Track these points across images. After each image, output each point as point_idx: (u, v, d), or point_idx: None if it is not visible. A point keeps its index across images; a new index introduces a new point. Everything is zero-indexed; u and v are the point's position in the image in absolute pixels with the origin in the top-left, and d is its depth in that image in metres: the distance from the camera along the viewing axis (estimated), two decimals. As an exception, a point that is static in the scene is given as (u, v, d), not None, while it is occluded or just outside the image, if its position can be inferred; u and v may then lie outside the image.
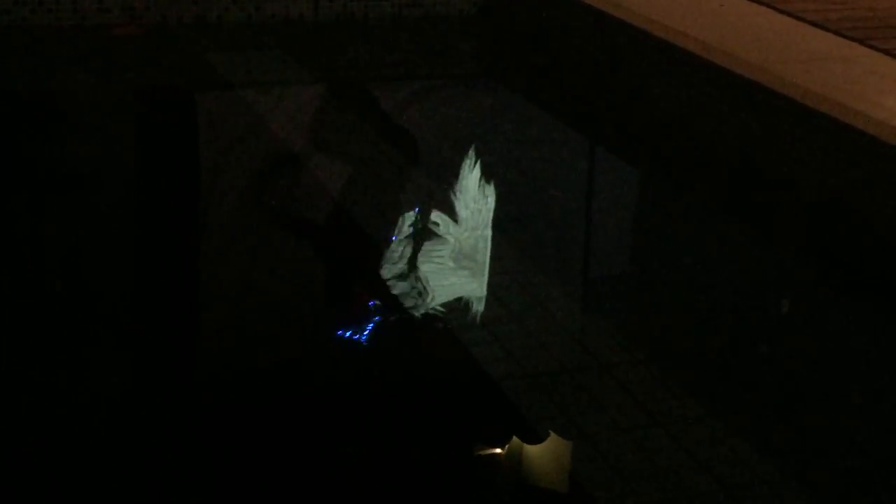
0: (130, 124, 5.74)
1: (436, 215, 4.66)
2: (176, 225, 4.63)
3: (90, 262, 4.28)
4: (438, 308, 4.04)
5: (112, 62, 6.24)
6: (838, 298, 4.37)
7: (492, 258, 4.40)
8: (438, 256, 4.38)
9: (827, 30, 5.66)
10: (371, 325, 3.98)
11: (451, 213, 4.70)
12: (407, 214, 4.67)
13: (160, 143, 5.39)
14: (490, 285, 4.18)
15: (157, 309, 4.02)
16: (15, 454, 3.18)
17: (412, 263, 4.34)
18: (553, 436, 3.31)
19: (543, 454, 3.27)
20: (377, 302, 4.12)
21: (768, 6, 6.05)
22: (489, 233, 4.59)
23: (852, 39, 5.52)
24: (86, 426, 3.33)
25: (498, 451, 3.26)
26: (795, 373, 3.86)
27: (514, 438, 3.28)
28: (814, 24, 5.75)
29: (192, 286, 4.19)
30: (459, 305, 4.07)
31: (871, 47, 5.39)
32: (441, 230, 4.57)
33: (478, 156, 5.21)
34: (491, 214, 4.72)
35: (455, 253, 4.41)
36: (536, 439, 3.29)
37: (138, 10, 6.48)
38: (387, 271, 4.26)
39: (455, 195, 4.87)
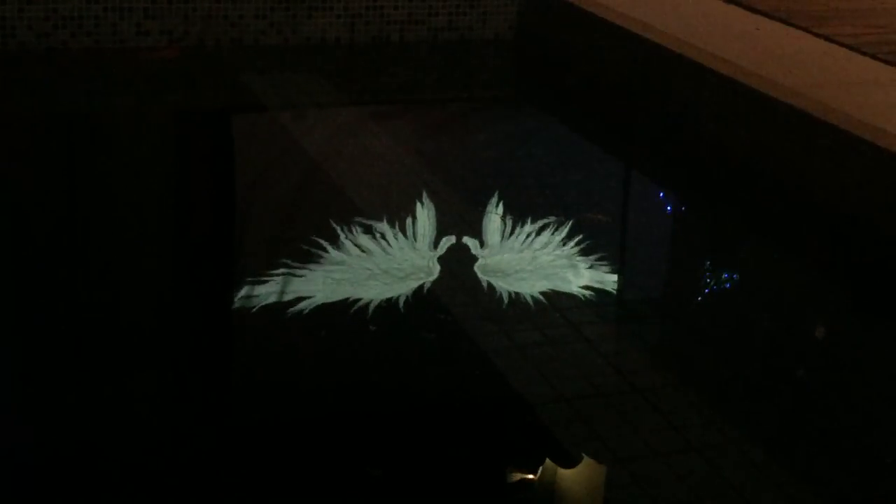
0: (168, 147, 5.78)
1: (470, 239, 4.66)
2: (211, 247, 4.65)
3: (125, 291, 4.31)
4: (472, 331, 4.04)
5: (150, 85, 6.30)
6: (874, 322, 4.34)
7: (525, 280, 4.40)
8: (471, 278, 4.39)
9: (864, 54, 5.64)
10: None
11: (485, 236, 4.70)
12: (441, 237, 4.68)
13: (197, 166, 5.42)
14: (524, 308, 4.18)
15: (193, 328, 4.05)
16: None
17: (445, 285, 4.34)
18: (587, 460, 3.30)
19: (577, 478, 3.26)
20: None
21: (805, 30, 6.03)
22: (522, 255, 4.59)
23: (889, 63, 5.49)
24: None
25: (532, 475, 3.25)
26: (833, 398, 3.83)
27: (548, 462, 3.27)
28: (850, 48, 5.73)
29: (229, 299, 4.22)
30: (493, 328, 4.07)
31: (909, 71, 5.38)
32: (475, 253, 4.58)
33: (512, 179, 5.22)
34: (525, 238, 4.72)
35: (489, 275, 4.41)
36: (570, 463, 3.29)
37: (176, 34, 6.53)
38: (421, 292, 4.26)
39: (489, 218, 4.88)
